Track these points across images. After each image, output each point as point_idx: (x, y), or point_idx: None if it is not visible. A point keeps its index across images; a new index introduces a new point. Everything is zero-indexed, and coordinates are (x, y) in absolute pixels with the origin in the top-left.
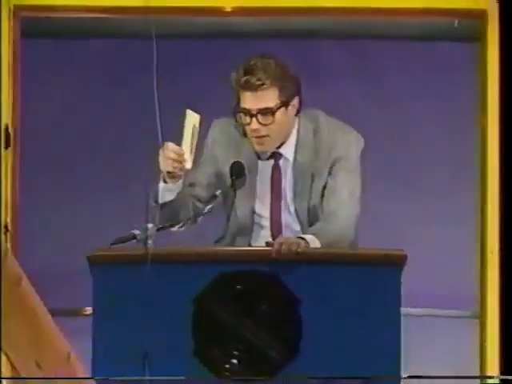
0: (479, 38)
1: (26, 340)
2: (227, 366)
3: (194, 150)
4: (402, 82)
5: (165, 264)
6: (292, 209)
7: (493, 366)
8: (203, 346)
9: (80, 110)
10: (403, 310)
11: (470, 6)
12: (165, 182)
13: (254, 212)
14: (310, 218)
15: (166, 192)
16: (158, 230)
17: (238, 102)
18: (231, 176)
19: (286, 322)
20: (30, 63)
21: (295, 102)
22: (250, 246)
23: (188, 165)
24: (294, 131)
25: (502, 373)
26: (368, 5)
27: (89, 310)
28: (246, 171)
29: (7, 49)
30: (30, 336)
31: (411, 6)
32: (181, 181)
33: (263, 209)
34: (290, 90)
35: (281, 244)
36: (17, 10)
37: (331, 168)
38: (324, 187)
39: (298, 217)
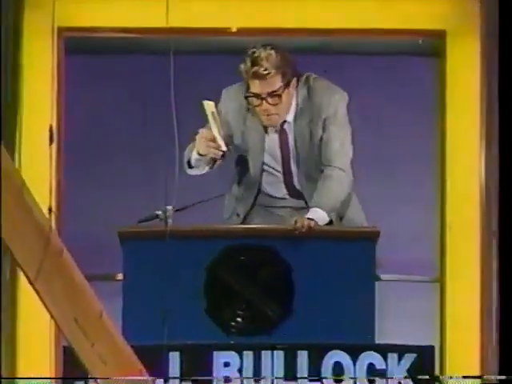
0: (439, 53)
1: (67, 300)
2: (233, 323)
3: (222, 133)
4: (374, 91)
5: (181, 239)
6: (295, 162)
7: (453, 322)
8: (213, 307)
9: (113, 112)
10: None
11: (432, 27)
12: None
13: (263, 163)
14: (311, 170)
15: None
16: (175, 211)
17: (248, 88)
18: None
19: (281, 286)
20: (72, 75)
21: (294, 80)
22: (259, 191)
23: (223, 147)
24: (293, 100)
25: (502, 373)
26: (346, 26)
27: (120, 275)
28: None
29: (53, 63)
30: (70, 297)
31: (383, 27)
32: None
33: (273, 162)
34: (290, 73)
35: (302, 224)
36: (61, 31)
37: (323, 125)
38: (320, 141)
39: (300, 167)
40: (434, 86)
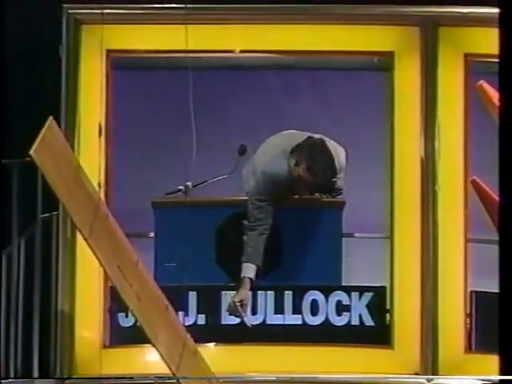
0: (389, 69)
1: (111, 252)
2: (236, 270)
3: None
4: (340, 98)
5: (197, 207)
6: None
7: (400, 268)
8: (221, 258)
9: (146, 113)
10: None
11: (384, 49)
12: None
13: None
14: None
15: None
16: (193, 186)
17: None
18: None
19: (272, 243)
20: (116, 85)
21: None
22: None
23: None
24: None
25: (502, 373)
26: (318, 47)
27: (151, 234)
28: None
29: (102, 77)
30: (114, 250)
31: (347, 48)
32: None
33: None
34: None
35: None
36: (108, 52)
37: None
38: None
39: None
40: (385, 94)
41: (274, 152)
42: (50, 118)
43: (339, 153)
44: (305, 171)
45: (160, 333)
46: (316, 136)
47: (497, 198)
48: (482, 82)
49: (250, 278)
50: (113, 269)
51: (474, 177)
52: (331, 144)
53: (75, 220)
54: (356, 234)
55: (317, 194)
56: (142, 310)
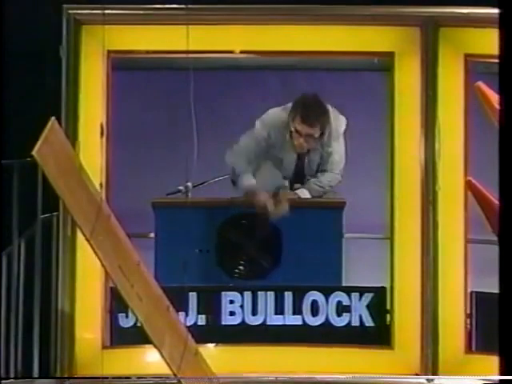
0: (389, 69)
1: (113, 252)
2: (236, 270)
3: None
4: (342, 97)
5: (198, 208)
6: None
7: (400, 269)
8: (222, 258)
9: (147, 113)
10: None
11: (384, 49)
12: None
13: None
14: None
15: None
16: (194, 186)
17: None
18: None
19: (272, 243)
20: (117, 86)
21: (327, 133)
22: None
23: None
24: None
25: (502, 373)
26: (320, 48)
27: (152, 234)
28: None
29: (102, 77)
30: (115, 250)
31: (349, 49)
32: None
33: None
34: (326, 126)
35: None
36: (109, 52)
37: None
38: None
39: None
40: (386, 93)
41: (274, 119)
42: (53, 118)
43: (339, 119)
44: (300, 123)
45: (161, 333)
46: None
47: (492, 199)
48: (479, 82)
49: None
50: (114, 269)
51: (469, 177)
52: (331, 108)
53: (77, 220)
54: (356, 235)
55: (316, 160)
56: (143, 310)
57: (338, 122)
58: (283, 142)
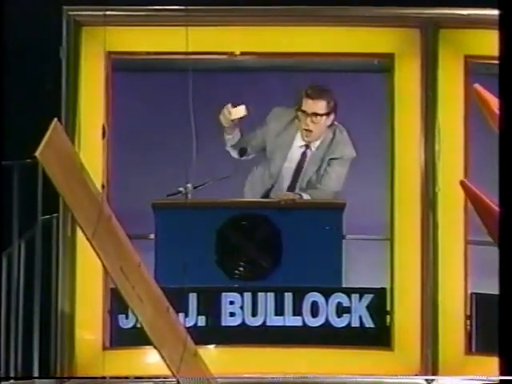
0: (389, 70)
1: (114, 253)
2: (236, 271)
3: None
4: (343, 98)
5: (198, 209)
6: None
7: (400, 270)
8: (222, 259)
9: (147, 115)
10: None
11: (384, 51)
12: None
13: (281, 169)
14: (310, 183)
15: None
16: (194, 188)
17: (300, 106)
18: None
19: (272, 244)
20: (117, 87)
21: (332, 116)
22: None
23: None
24: (323, 136)
25: (502, 374)
26: (323, 50)
27: (152, 236)
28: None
29: (103, 78)
30: (116, 251)
31: (349, 51)
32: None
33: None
34: (332, 107)
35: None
36: (109, 54)
37: (330, 160)
38: (324, 170)
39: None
40: (386, 95)
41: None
42: (55, 119)
43: (349, 146)
44: (305, 100)
45: (161, 334)
46: None
47: (485, 199)
48: (476, 84)
49: None
50: (115, 270)
51: (462, 179)
52: (345, 133)
53: (79, 221)
54: (356, 236)
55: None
56: (144, 311)
57: (347, 149)
58: (286, 139)
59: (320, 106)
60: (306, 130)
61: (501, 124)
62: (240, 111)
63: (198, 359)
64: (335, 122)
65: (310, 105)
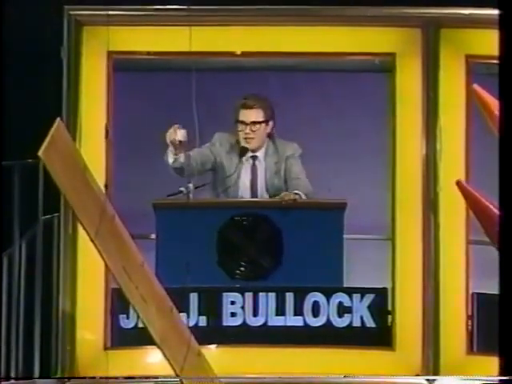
0: (391, 70)
1: (117, 253)
2: (237, 271)
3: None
4: (342, 98)
5: (199, 209)
6: (263, 184)
7: (401, 270)
8: (223, 259)
9: (149, 114)
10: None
11: (385, 50)
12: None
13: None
14: (276, 189)
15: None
16: (195, 188)
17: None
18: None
19: (273, 244)
20: (119, 87)
21: (271, 123)
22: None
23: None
24: (264, 146)
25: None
26: (321, 49)
27: (153, 235)
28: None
29: (104, 78)
30: (119, 250)
31: (349, 50)
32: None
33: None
34: (269, 114)
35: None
36: (110, 53)
37: (286, 161)
38: (284, 171)
39: (267, 187)
40: (387, 94)
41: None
42: (58, 119)
43: (288, 145)
44: (241, 110)
45: (165, 334)
46: None
47: (482, 200)
48: (474, 85)
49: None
50: (118, 270)
51: (459, 179)
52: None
53: (82, 221)
54: (357, 236)
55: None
56: (147, 311)
57: (294, 146)
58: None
59: (257, 114)
60: (247, 138)
61: (501, 124)
62: (184, 134)
63: (202, 359)
64: (274, 131)
65: (246, 114)
